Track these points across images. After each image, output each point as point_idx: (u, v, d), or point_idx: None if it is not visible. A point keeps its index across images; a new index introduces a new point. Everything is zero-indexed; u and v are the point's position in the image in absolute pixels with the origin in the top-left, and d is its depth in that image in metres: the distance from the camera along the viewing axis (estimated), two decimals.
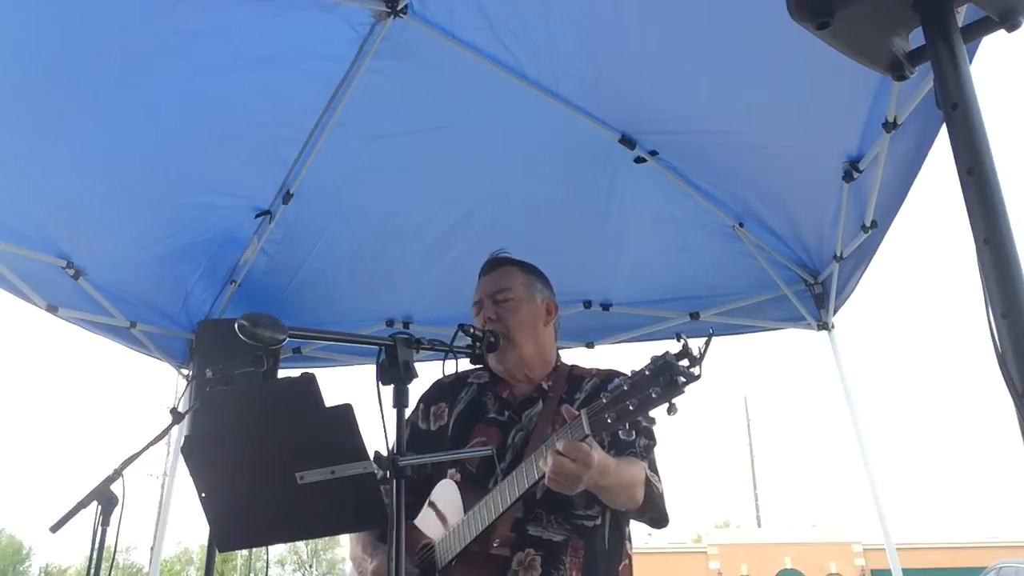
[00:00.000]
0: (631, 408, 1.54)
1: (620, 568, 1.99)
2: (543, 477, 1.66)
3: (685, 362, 1.51)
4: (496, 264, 2.19)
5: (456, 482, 1.94)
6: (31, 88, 2.85)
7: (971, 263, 0.83)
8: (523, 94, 3.12)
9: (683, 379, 1.50)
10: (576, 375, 2.12)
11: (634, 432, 1.58)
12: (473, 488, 1.88)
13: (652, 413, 1.56)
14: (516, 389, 2.10)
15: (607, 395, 1.59)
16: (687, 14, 2.64)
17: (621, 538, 2.00)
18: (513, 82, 3.08)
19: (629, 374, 1.60)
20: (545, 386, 2.08)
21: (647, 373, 1.54)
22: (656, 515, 1.94)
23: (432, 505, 1.95)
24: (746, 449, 37.92)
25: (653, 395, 1.51)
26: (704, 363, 1.50)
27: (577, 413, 1.65)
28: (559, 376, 2.11)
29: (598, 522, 1.94)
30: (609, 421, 1.57)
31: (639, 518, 1.96)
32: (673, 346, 1.54)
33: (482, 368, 2.14)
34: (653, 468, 1.96)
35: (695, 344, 1.52)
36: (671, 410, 1.52)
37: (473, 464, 2.00)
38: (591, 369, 2.13)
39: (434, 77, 3.15)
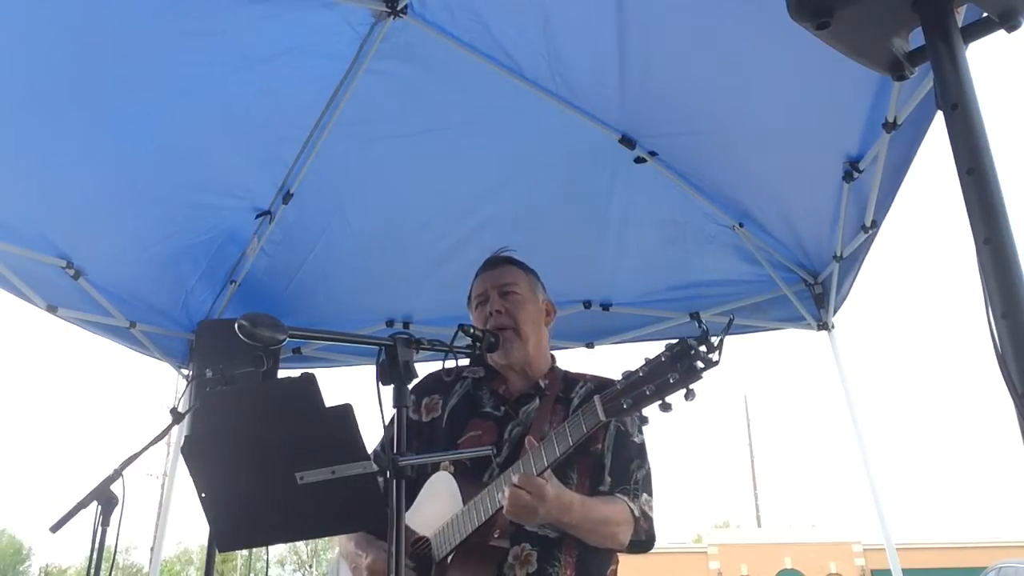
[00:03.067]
0: (648, 393, 1.55)
1: (609, 571, 2.01)
2: (500, 510, 1.69)
3: (703, 348, 1.52)
4: (499, 262, 2.21)
5: (451, 474, 1.94)
6: (32, 88, 2.84)
7: (971, 263, 0.83)
8: (523, 94, 3.12)
9: (701, 364, 1.51)
10: (570, 378, 2.13)
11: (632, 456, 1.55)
12: (469, 480, 1.89)
13: (646, 412, 1.57)
14: (512, 385, 2.11)
15: (622, 381, 1.60)
16: (686, 15, 2.64)
17: None
18: (513, 82, 3.09)
19: (639, 366, 1.60)
20: (542, 384, 2.09)
21: (663, 360, 1.54)
22: (640, 551, 1.95)
23: (427, 497, 1.96)
24: (746, 449, 37.94)
25: (671, 380, 1.52)
26: (723, 349, 1.51)
27: (538, 444, 1.70)
28: (555, 376, 2.13)
29: None
30: (625, 407, 1.58)
31: (622, 551, 1.97)
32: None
33: (478, 364, 2.15)
34: (648, 488, 1.97)
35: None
36: (688, 395, 1.52)
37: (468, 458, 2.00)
38: (583, 374, 2.15)
39: (434, 77, 3.15)
